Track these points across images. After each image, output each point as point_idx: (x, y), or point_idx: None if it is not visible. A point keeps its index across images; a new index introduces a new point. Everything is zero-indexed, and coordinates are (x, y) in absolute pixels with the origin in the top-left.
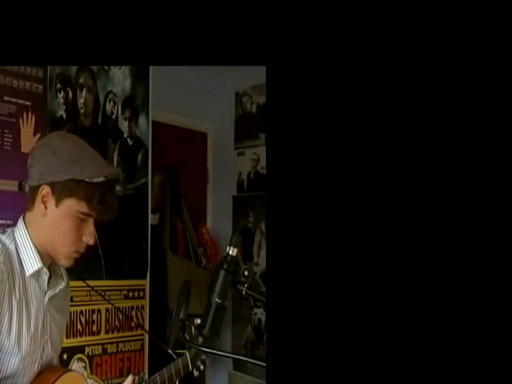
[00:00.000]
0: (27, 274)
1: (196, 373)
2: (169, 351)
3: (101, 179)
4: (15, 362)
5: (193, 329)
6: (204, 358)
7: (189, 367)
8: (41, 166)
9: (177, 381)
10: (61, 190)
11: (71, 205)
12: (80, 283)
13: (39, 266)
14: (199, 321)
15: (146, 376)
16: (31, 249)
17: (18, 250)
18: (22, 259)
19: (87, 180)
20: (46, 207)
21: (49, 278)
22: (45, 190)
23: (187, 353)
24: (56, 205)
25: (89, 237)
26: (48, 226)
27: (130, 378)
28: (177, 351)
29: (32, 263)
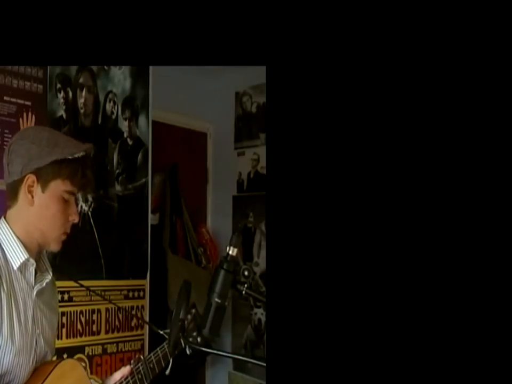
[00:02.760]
0: (14, 267)
1: (188, 351)
2: (161, 332)
3: (81, 154)
4: (10, 358)
5: (193, 329)
6: (195, 335)
7: (182, 344)
8: (21, 157)
9: (171, 359)
10: (46, 174)
11: (57, 186)
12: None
13: (25, 257)
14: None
15: (142, 357)
16: (16, 243)
17: (3, 246)
18: (7, 254)
19: (69, 157)
20: (32, 196)
21: (35, 273)
22: (30, 179)
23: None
24: (43, 191)
25: (74, 215)
26: (37, 213)
27: (128, 367)
28: (167, 330)
29: (18, 255)
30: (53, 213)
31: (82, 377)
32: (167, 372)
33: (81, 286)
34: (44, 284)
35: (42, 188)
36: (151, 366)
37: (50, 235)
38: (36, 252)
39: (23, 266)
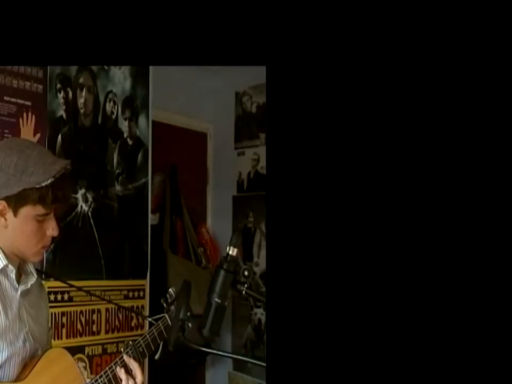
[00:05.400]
0: None
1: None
2: (149, 319)
3: (49, 181)
4: None
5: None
6: (186, 319)
7: (170, 328)
8: None
9: (161, 343)
10: (16, 201)
11: (28, 211)
12: (80, 283)
13: (4, 263)
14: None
15: (131, 342)
16: None
17: None
18: None
19: (36, 186)
20: (5, 219)
21: (19, 276)
22: (2, 205)
23: (166, 315)
24: (15, 215)
25: (52, 230)
26: (11, 235)
27: (126, 357)
28: (156, 316)
29: None
30: (27, 235)
31: (71, 364)
32: (156, 356)
33: (71, 286)
34: (29, 285)
35: (14, 213)
36: (141, 350)
37: (28, 252)
38: (17, 259)
39: (3, 272)
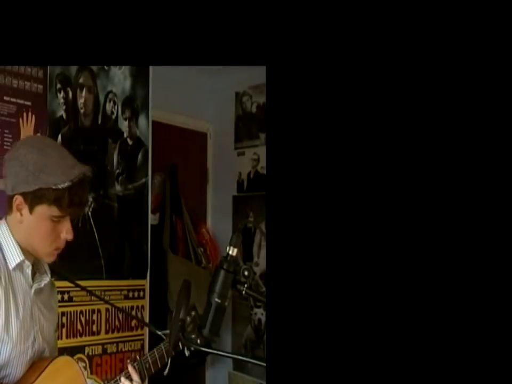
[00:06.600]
0: (10, 268)
1: (187, 352)
2: (159, 332)
3: (66, 184)
4: (6, 350)
5: (193, 328)
6: (194, 337)
7: (179, 346)
8: (11, 178)
9: (168, 360)
10: (32, 198)
11: (43, 210)
12: (81, 283)
13: (21, 258)
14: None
15: (138, 357)
16: (13, 245)
17: (1, 246)
18: (4, 254)
19: (53, 187)
20: (21, 214)
21: (34, 273)
22: (18, 199)
23: None
24: (30, 212)
25: (66, 233)
26: (26, 231)
27: (130, 367)
28: (165, 332)
29: (14, 256)
30: (41, 234)
31: (77, 373)
32: (165, 372)
33: (77, 285)
34: (42, 285)
35: (29, 210)
36: (147, 366)
37: (41, 251)
38: (32, 257)
39: (20, 266)
